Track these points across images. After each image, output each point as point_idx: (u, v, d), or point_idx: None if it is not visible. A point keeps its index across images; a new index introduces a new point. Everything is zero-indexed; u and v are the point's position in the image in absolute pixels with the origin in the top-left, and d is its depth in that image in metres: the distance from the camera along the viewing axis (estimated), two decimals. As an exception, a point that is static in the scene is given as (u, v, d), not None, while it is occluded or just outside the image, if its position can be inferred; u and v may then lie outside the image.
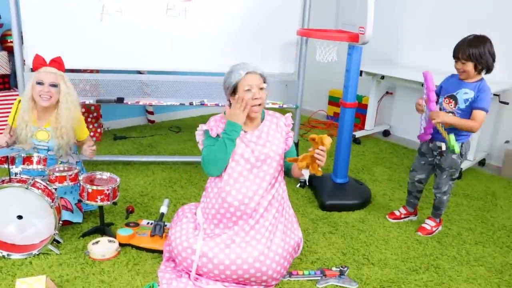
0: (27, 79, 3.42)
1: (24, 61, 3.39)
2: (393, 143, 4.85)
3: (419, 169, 2.99)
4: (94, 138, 4.51)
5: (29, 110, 2.74)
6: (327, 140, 2.23)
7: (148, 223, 2.84)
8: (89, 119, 4.43)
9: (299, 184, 3.62)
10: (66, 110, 2.77)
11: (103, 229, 2.75)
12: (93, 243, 2.56)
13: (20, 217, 2.49)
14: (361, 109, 5.06)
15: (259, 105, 2.37)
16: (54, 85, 2.72)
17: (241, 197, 2.36)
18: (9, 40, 3.82)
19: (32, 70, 2.78)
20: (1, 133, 2.82)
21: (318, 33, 3.22)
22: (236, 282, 2.31)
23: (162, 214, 2.76)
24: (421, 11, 4.59)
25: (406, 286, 2.43)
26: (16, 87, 3.64)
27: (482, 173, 4.09)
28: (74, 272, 2.39)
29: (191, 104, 3.73)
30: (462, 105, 2.68)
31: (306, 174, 2.32)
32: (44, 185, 2.53)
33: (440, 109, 2.75)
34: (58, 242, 2.62)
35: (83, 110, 4.30)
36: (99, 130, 4.55)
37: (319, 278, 2.44)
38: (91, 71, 4.03)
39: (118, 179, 2.76)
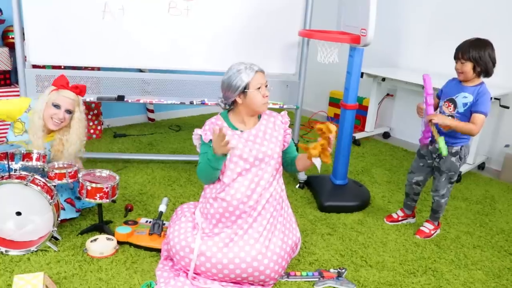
0: (28, 76, 3.43)
1: (25, 57, 3.39)
2: (393, 145, 4.85)
3: (417, 171, 2.99)
4: (94, 136, 4.51)
5: (41, 128, 2.71)
6: (333, 127, 2.26)
7: (146, 221, 2.84)
8: (89, 116, 4.44)
9: (298, 185, 3.62)
10: (76, 136, 2.79)
11: (102, 227, 2.76)
12: (91, 241, 2.56)
13: (18, 213, 2.49)
14: (361, 111, 5.06)
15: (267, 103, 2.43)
16: (69, 112, 2.73)
17: (239, 195, 2.36)
18: (10, 36, 3.82)
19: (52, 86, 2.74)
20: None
21: (319, 34, 3.21)
22: (234, 281, 2.31)
23: (161, 212, 2.76)
24: (423, 14, 4.59)
25: (404, 289, 2.44)
26: (17, 83, 3.63)
27: (481, 177, 4.09)
28: (72, 270, 2.40)
29: (191, 103, 3.73)
30: (461, 109, 2.69)
31: (318, 163, 2.34)
32: (43, 182, 2.53)
33: (440, 113, 2.76)
34: (56, 239, 2.63)
35: (84, 107, 4.32)
36: (99, 127, 4.55)
37: (317, 279, 2.44)
38: (92, 68, 4.03)
39: (117, 177, 2.76)
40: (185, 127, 5.05)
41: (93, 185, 2.60)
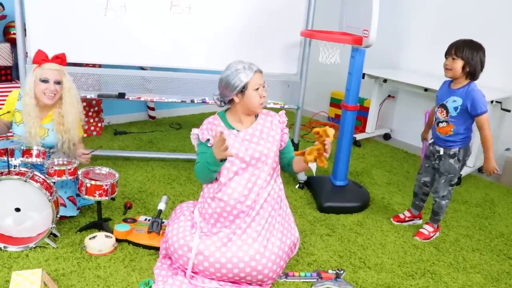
0: (29, 72, 3.42)
1: (27, 53, 3.38)
2: (394, 147, 4.84)
3: (424, 171, 3.01)
4: (95, 133, 4.51)
5: (34, 106, 2.71)
6: (331, 131, 2.24)
7: (145, 219, 2.83)
8: (90, 113, 4.43)
9: (298, 185, 3.61)
10: (70, 105, 2.78)
11: (101, 224, 2.75)
12: (90, 238, 2.56)
13: (17, 209, 2.49)
14: (362, 112, 5.06)
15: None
16: (58, 83, 2.72)
17: (236, 195, 2.36)
18: (12, 32, 3.82)
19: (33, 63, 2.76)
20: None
21: (321, 35, 3.21)
22: (232, 281, 2.31)
23: (160, 211, 2.76)
24: (425, 15, 4.59)
25: (402, 291, 2.44)
26: (18, 79, 3.63)
27: (481, 180, 4.09)
28: (70, 266, 2.39)
29: (192, 101, 3.73)
30: (453, 113, 2.71)
31: (313, 167, 2.34)
32: (43, 179, 2.53)
33: (435, 119, 2.82)
34: (55, 235, 2.62)
35: (84, 104, 4.32)
36: (99, 124, 4.55)
37: (315, 280, 2.43)
38: (93, 65, 4.03)
39: (117, 175, 2.76)
40: (186, 126, 5.04)
41: (93, 182, 2.60)
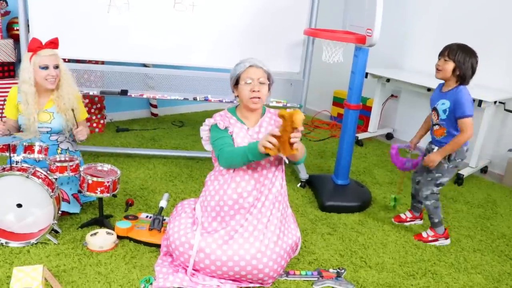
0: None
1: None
2: (396, 146, 4.83)
3: (419, 170, 3.02)
4: (97, 130, 4.51)
5: (33, 94, 2.74)
6: (298, 117, 1.95)
7: (147, 216, 2.84)
8: (92, 110, 4.43)
9: (299, 184, 3.61)
10: (67, 86, 2.82)
11: (102, 221, 2.76)
12: (91, 235, 2.56)
13: (19, 205, 2.49)
14: (365, 111, 5.05)
15: (258, 98, 2.36)
16: (57, 67, 2.76)
17: (240, 190, 2.36)
18: (15, 28, 3.82)
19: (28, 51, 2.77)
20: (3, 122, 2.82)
21: (325, 34, 3.20)
22: (233, 279, 2.31)
23: (162, 208, 2.76)
24: (430, 16, 4.57)
25: (403, 291, 2.43)
26: (21, 75, 3.64)
27: (483, 181, 4.08)
28: (71, 263, 2.40)
29: (194, 99, 3.73)
30: (443, 116, 2.73)
31: (283, 156, 2.20)
32: (44, 175, 2.53)
33: (431, 122, 2.85)
34: (56, 232, 2.63)
35: (87, 100, 4.32)
36: (102, 121, 4.55)
37: (316, 279, 2.43)
38: (96, 62, 4.03)
39: (118, 171, 2.76)
40: (188, 123, 5.04)
41: (94, 179, 2.60)
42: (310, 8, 3.60)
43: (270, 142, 2.09)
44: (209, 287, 2.27)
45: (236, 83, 2.42)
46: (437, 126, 2.79)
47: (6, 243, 2.50)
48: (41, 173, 2.52)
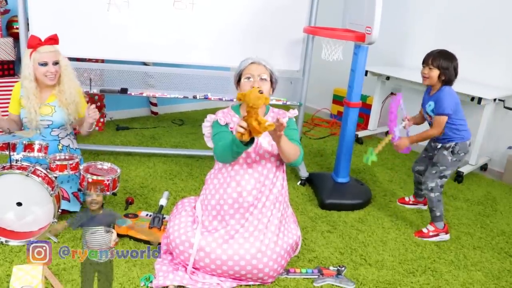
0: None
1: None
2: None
3: (420, 161, 3.19)
4: (97, 128, 4.51)
5: (34, 90, 2.76)
6: (251, 96, 1.91)
7: (147, 215, 2.84)
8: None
9: (299, 182, 3.61)
10: (69, 80, 2.83)
11: (102, 219, 2.75)
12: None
13: (19, 204, 2.49)
14: (365, 109, 5.05)
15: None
16: (56, 63, 2.76)
17: (240, 189, 2.37)
18: (15, 27, 3.81)
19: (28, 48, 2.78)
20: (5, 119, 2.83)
21: (324, 31, 3.20)
22: (233, 277, 2.31)
23: (161, 206, 2.76)
24: (430, 14, 4.57)
25: (402, 288, 2.44)
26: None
27: (483, 178, 4.08)
28: (71, 261, 2.40)
29: (194, 97, 3.73)
30: (432, 115, 2.91)
31: (258, 140, 2.25)
32: (44, 173, 2.53)
33: (428, 122, 3.01)
34: (56, 230, 2.63)
35: (87, 99, 4.32)
36: (102, 119, 4.55)
37: (317, 276, 2.44)
38: (96, 61, 4.03)
39: (118, 170, 2.76)
40: (188, 121, 5.04)
41: (94, 177, 2.60)
42: (309, 6, 3.60)
43: (241, 126, 2.00)
44: (209, 285, 2.27)
45: (239, 80, 2.44)
46: (431, 125, 2.94)
47: (6, 241, 2.50)
48: (41, 171, 2.52)
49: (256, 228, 2.33)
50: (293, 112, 2.53)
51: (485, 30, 4.09)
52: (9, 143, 2.51)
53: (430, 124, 2.95)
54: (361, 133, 4.81)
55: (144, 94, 3.69)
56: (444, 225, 2.97)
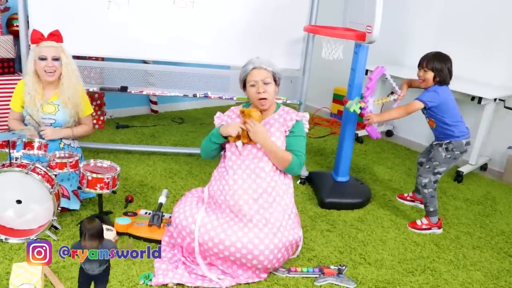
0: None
1: (30, 45, 3.37)
2: (396, 143, 4.83)
3: (423, 153, 3.28)
4: (97, 126, 4.51)
5: (34, 84, 2.77)
6: (255, 114, 2.41)
7: (146, 213, 2.84)
8: (92, 107, 4.42)
9: (299, 181, 3.61)
10: (68, 79, 2.82)
11: (101, 217, 2.75)
12: (91, 231, 2.56)
13: (19, 201, 2.49)
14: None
15: (265, 99, 2.45)
16: (56, 59, 2.76)
17: (241, 181, 2.40)
18: (15, 24, 3.81)
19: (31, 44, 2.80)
20: (5, 118, 2.83)
21: (325, 30, 3.20)
22: (228, 260, 2.30)
23: (161, 204, 2.76)
24: (430, 13, 4.57)
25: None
26: (21, 71, 3.63)
27: (483, 178, 4.08)
28: (70, 259, 2.39)
29: (194, 95, 3.72)
30: (426, 112, 3.01)
31: (239, 145, 2.46)
32: (44, 171, 2.53)
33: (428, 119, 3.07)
34: (56, 228, 2.63)
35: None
36: (102, 118, 4.55)
37: (318, 275, 2.44)
38: (96, 59, 4.02)
39: (118, 168, 2.76)
40: (188, 120, 5.04)
41: (94, 175, 2.60)
42: (310, 4, 3.59)
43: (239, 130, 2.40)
44: (209, 282, 2.28)
45: (244, 85, 2.51)
46: (427, 118, 3.04)
47: (5, 239, 2.50)
48: (41, 169, 2.52)
49: (257, 219, 2.33)
50: (302, 115, 2.56)
51: (485, 29, 4.09)
52: (8, 140, 2.50)
53: (426, 117, 3.03)
54: (361, 132, 4.80)
55: (144, 92, 3.68)
56: (439, 219, 3.03)
